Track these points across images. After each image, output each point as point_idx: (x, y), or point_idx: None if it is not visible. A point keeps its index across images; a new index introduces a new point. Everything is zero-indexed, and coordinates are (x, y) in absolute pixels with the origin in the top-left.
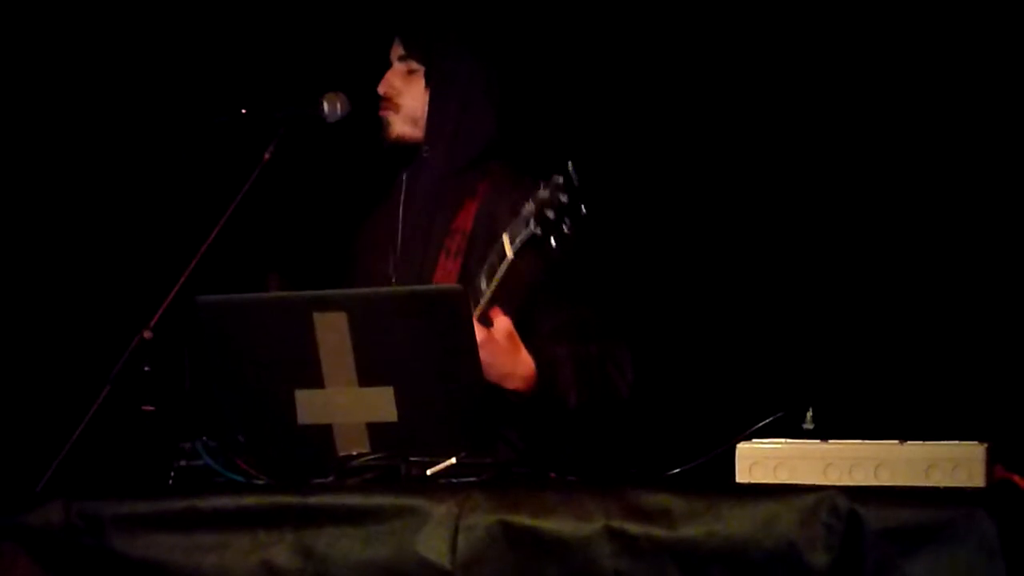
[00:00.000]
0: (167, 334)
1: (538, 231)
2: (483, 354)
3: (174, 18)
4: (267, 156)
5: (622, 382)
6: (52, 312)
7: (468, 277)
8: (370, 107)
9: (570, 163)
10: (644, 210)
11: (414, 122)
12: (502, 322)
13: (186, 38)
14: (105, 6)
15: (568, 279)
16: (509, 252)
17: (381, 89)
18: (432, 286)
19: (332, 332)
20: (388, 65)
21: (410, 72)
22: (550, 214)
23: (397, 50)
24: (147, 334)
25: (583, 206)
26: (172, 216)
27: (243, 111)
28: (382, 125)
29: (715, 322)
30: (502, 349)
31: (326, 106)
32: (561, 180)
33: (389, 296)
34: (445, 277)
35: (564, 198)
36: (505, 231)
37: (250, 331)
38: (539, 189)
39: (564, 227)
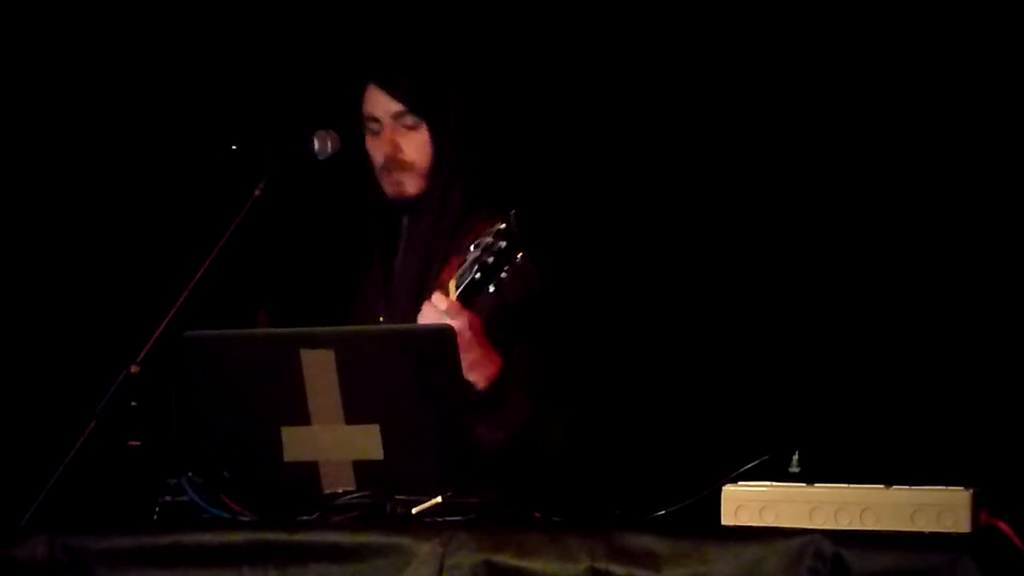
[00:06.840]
0: (154, 369)
1: (477, 276)
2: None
3: (164, 53)
4: (257, 192)
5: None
6: (39, 346)
7: None
8: (360, 146)
9: (513, 211)
10: (631, 245)
11: (424, 176)
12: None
13: (176, 73)
14: (94, 41)
15: (517, 320)
16: (453, 296)
17: (388, 152)
18: (419, 324)
19: (319, 369)
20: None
21: (409, 128)
22: (490, 260)
23: (389, 105)
24: (134, 369)
25: (519, 252)
26: (161, 251)
27: (233, 147)
28: (396, 187)
29: (702, 364)
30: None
31: (317, 143)
32: (503, 226)
33: (377, 334)
34: None
35: (503, 244)
36: (452, 277)
37: (237, 367)
38: (483, 235)
39: (502, 272)
